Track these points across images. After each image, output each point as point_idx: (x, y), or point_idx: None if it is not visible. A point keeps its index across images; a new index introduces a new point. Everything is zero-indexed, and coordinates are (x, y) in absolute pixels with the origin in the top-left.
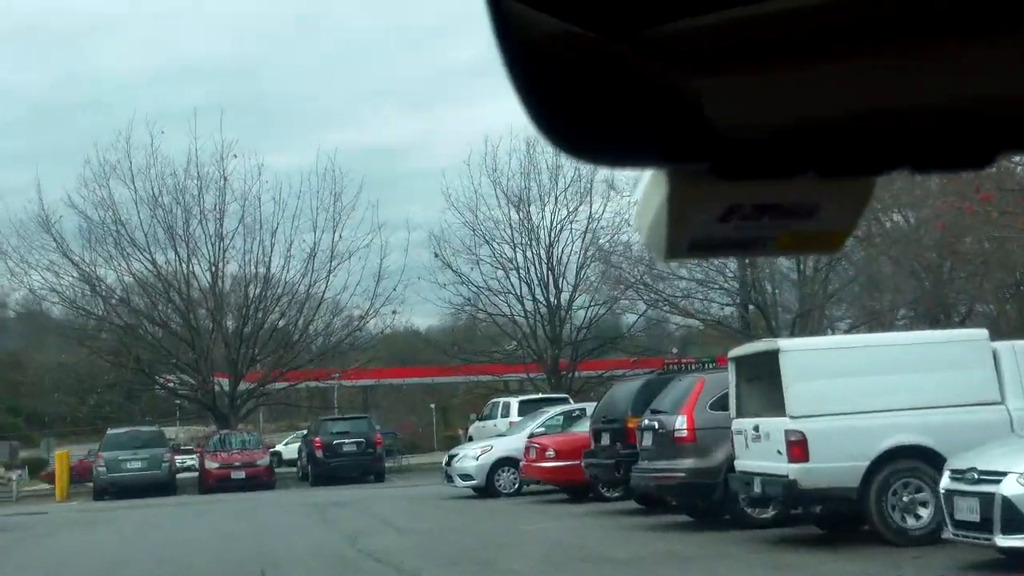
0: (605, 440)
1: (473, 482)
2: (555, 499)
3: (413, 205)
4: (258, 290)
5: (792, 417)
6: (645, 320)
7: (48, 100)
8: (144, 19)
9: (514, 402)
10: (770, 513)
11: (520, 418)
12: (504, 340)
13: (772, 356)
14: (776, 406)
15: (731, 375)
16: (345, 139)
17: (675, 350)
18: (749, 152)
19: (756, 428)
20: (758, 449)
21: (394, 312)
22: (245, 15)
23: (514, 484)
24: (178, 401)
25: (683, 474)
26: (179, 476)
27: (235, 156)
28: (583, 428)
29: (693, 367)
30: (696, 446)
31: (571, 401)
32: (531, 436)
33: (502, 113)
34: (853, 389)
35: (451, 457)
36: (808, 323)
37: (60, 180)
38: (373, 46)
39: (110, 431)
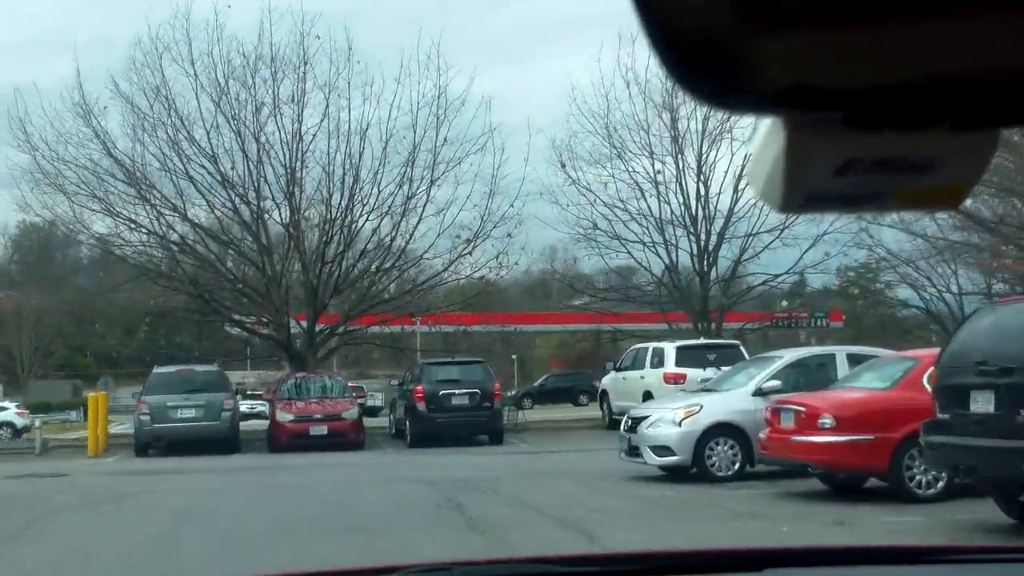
0: (981, 404)
1: (674, 459)
2: (805, 490)
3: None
4: (344, 201)
5: None
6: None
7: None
8: None
9: (670, 348)
10: None
11: (678, 368)
12: (638, 277)
13: None
14: None
15: None
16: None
17: (784, 303)
18: (884, 101)
19: None
20: None
21: (509, 235)
22: None
23: (733, 463)
24: (246, 334)
25: None
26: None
27: (318, 37)
28: (855, 383)
29: (806, 322)
30: None
31: (743, 349)
32: (761, 393)
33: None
34: None
35: (635, 421)
36: None
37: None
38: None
39: (156, 370)
